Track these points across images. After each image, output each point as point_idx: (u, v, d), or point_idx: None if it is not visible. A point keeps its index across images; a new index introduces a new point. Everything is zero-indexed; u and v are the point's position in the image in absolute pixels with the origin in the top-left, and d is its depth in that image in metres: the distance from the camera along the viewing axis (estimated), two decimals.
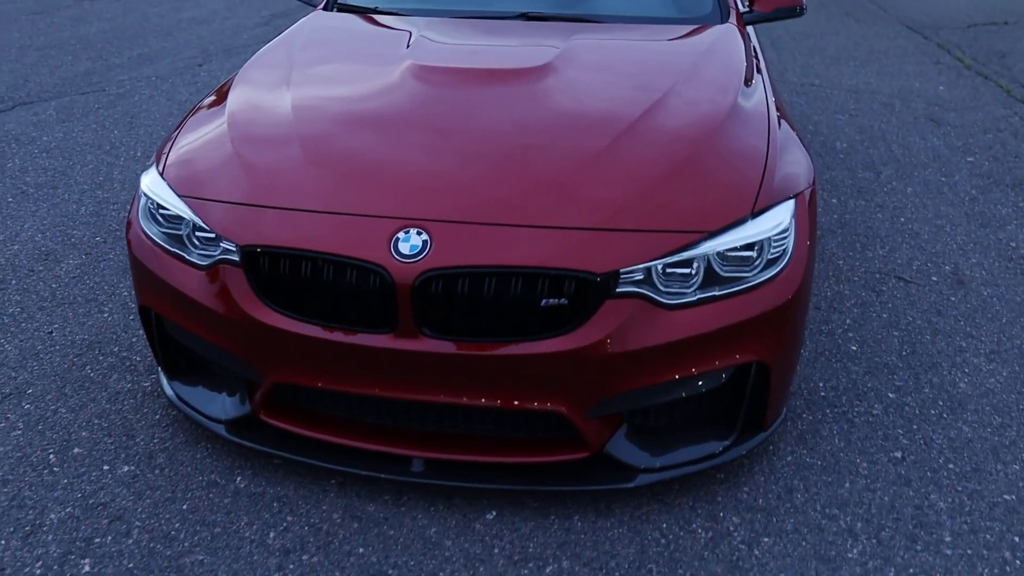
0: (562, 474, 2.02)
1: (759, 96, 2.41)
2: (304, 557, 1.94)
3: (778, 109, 2.44)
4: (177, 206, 2.10)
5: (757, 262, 1.96)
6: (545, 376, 1.87)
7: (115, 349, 2.74)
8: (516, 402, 1.91)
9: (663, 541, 1.98)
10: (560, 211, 1.89)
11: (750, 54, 2.74)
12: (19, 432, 2.35)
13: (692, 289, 1.91)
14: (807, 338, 2.83)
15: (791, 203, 2.06)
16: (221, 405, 2.21)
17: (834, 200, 4.04)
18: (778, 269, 1.98)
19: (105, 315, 2.94)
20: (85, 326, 2.87)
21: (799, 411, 2.46)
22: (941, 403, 2.52)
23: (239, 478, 2.18)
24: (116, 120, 5.04)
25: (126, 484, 2.16)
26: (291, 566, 1.91)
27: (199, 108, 2.49)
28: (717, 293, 1.92)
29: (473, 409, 1.95)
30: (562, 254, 1.82)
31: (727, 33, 2.80)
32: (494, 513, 2.06)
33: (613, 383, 1.89)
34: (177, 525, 2.03)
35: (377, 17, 3.02)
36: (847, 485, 2.17)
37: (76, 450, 2.28)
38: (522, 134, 2.11)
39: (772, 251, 1.98)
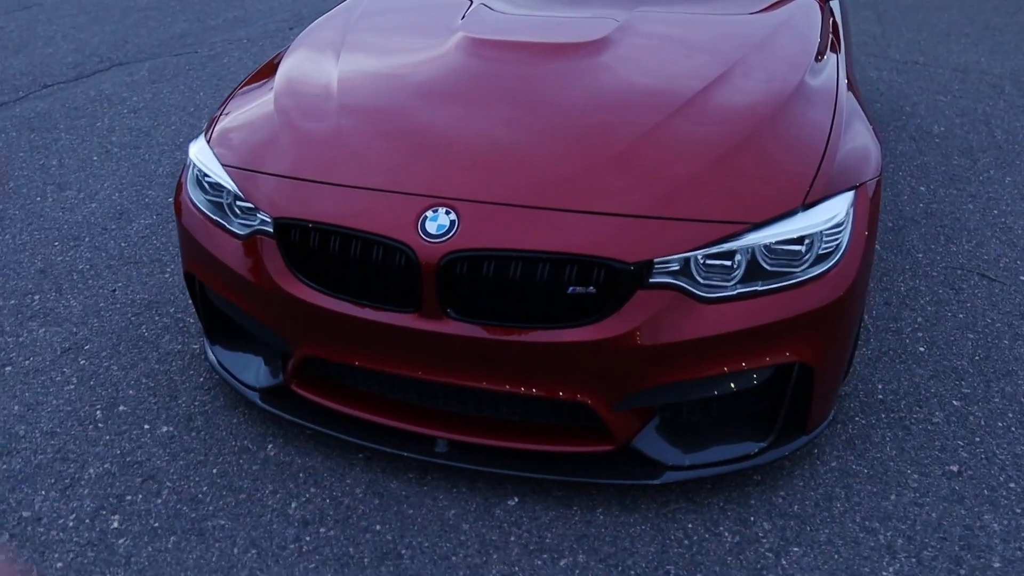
0: (587, 465, 1.96)
1: (829, 77, 2.25)
2: (321, 530, 1.95)
3: (851, 89, 2.28)
4: (219, 175, 2.12)
5: (806, 257, 1.84)
6: (570, 366, 1.81)
7: (171, 310, 2.82)
8: (539, 390, 1.85)
9: (686, 542, 1.90)
10: (595, 196, 1.81)
11: (827, 30, 2.56)
12: (72, 387, 2.44)
13: (732, 283, 1.81)
14: (871, 336, 2.67)
15: (849, 195, 1.92)
16: (256, 373, 2.24)
17: (922, 188, 3.79)
18: (829, 265, 1.85)
19: (167, 276, 3.02)
20: (147, 286, 2.96)
21: (851, 414, 2.32)
22: (1011, 415, 2.33)
23: (270, 446, 2.21)
24: (204, 82, 5.16)
25: (163, 444, 2.22)
26: (307, 537, 1.93)
27: (252, 78, 2.50)
28: (760, 288, 1.81)
29: (497, 394, 1.91)
30: (593, 241, 1.75)
31: (804, 6, 2.62)
32: (516, 500, 2.03)
33: (642, 377, 1.82)
34: (205, 488, 2.07)
35: None
36: (893, 497, 2.04)
37: (121, 408, 2.36)
38: (564, 114, 2.03)
39: (824, 246, 1.85)
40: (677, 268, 1.78)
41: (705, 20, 2.53)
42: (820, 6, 2.70)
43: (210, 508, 2.01)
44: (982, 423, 2.30)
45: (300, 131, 2.09)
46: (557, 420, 1.97)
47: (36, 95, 4.87)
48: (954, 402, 2.38)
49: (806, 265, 1.84)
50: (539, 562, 1.86)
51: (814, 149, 1.95)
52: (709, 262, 1.80)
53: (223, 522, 1.98)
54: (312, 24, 2.76)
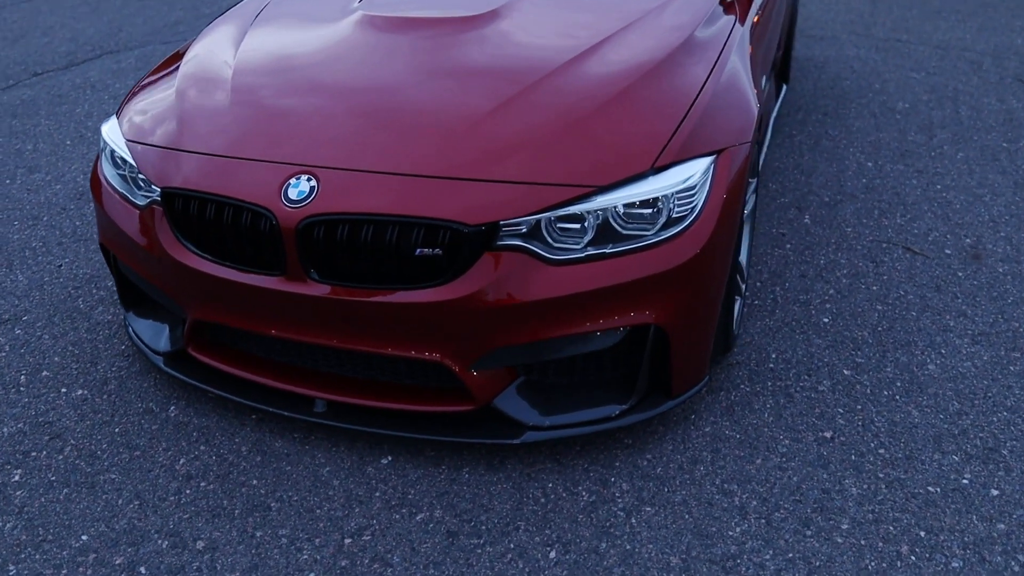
0: (456, 425, 2.04)
1: (713, 44, 2.28)
2: (202, 484, 2.06)
3: (750, 58, 2.31)
4: (123, 149, 2.23)
5: (657, 220, 1.89)
6: (422, 325, 1.89)
7: (109, 284, 2.95)
8: (395, 350, 1.94)
9: (543, 500, 1.98)
10: (447, 161, 1.88)
11: (723, 5, 2.58)
12: (3, 355, 2.58)
13: (582, 245, 1.87)
14: (777, 308, 2.70)
15: (706, 160, 1.96)
16: (162, 338, 2.35)
17: (870, 163, 3.78)
18: (679, 228, 1.90)
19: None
20: (91, 262, 3.09)
21: (738, 381, 2.37)
22: (899, 384, 2.36)
23: (172, 408, 2.32)
24: None
25: (75, 407, 2.34)
26: (188, 491, 2.04)
27: (166, 62, 2.60)
28: (608, 250, 1.87)
29: (364, 354, 2.00)
30: (438, 204, 1.82)
31: None
32: (389, 459, 2.12)
33: (493, 336, 1.89)
34: (104, 446, 2.19)
35: None
36: (758, 461, 2.09)
37: (44, 373, 2.49)
38: (438, 83, 2.10)
39: (678, 210, 1.91)
40: (526, 231, 1.85)
41: None
42: None
43: (105, 464, 2.13)
44: (868, 391, 2.33)
45: (192, 106, 2.19)
46: (424, 380, 2.05)
47: (25, 83, 5.05)
48: (845, 371, 2.42)
49: (656, 227, 1.89)
50: (397, 516, 1.94)
51: (674, 113, 1.99)
52: (560, 225, 1.86)
53: (114, 476, 2.09)
54: (235, 6, 2.86)
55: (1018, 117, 4.32)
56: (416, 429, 2.04)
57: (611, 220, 1.87)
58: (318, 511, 1.96)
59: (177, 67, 2.45)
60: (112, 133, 2.31)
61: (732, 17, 2.54)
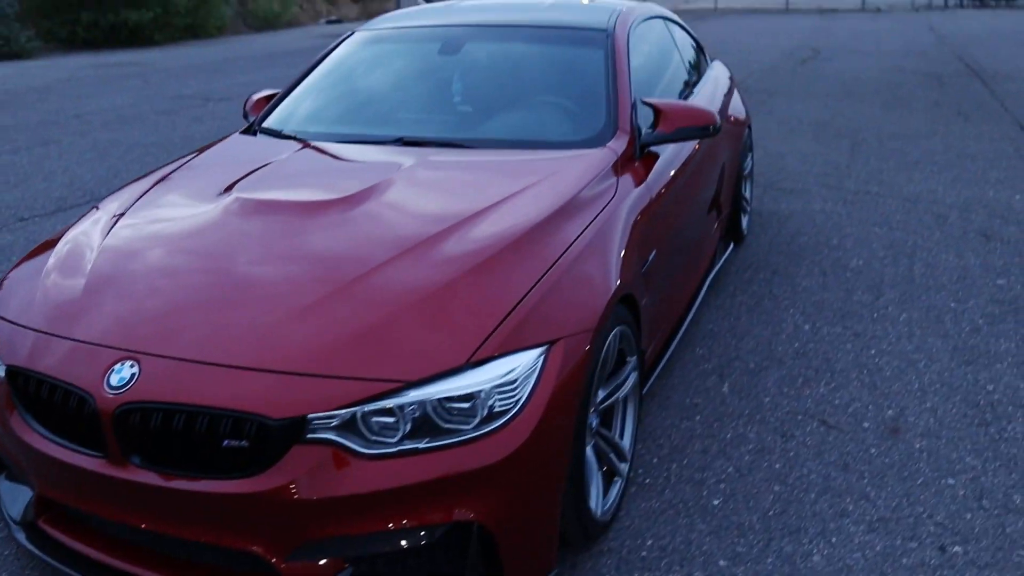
0: None
1: (566, 232, 2.29)
2: None
3: (626, 240, 2.34)
4: None
5: (476, 415, 1.85)
6: (235, 515, 1.84)
7: None
8: (214, 539, 1.88)
9: None
10: (259, 352, 1.88)
11: (598, 182, 2.59)
12: None
13: (396, 439, 1.83)
14: (666, 487, 2.59)
15: (535, 352, 1.93)
16: (18, 507, 2.32)
17: (807, 326, 3.72)
18: (500, 423, 1.86)
19: None
20: None
21: (603, 571, 2.25)
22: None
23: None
24: None
25: None
26: None
27: (53, 239, 2.63)
28: (422, 445, 1.83)
29: (188, 540, 1.94)
30: (244, 396, 1.81)
31: (586, 160, 2.68)
32: None
33: (306, 529, 1.83)
34: None
35: (276, 141, 3.11)
36: None
37: None
38: (277, 269, 2.13)
39: (499, 404, 1.87)
40: (339, 424, 1.82)
41: (472, 176, 2.62)
42: (612, 159, 2.73)
43: None
44: None
45: (49, 286, 2.24)
46: (248, 568, 1.98)
47: (8, 228, 5.28)
48: (721, 561, 2.28)
49: (475, 422, 1.85)
50: None
51: (503, 304, 1.98)
52: (376, 419, 1.83)
53: None
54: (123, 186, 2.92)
55: (972, 275, 4.25)
56: None
57: (431, 414, 1.84)
58: None
59: (51, 245, 2.51)
60: None
61: (611, 192, 2.56)
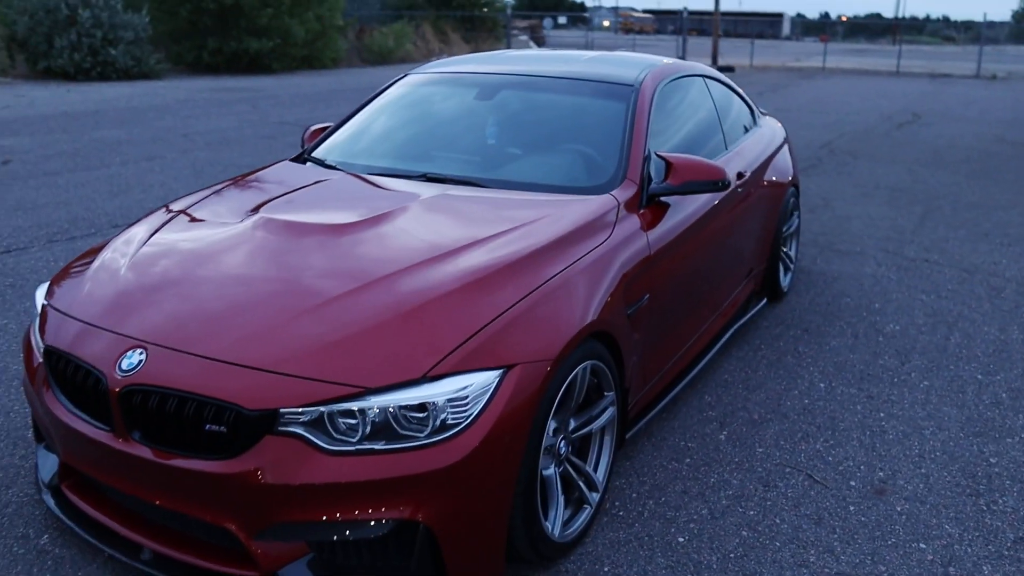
0: None
1: (547, 268, 2.46)
2: None
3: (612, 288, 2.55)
4: (38, 307, 2.63)
5: (428, 424, 2.05)
6: (212, 493, 2.08)
7: None
8: (194, 512, 2.13)
9: None
10: (246, 351, 2.13)
11: (593, 225, 2.76)
12: None
13: (356, 439, 2.04)
14: (635, 520, 2.70)
15: (491, 373, 2.12)
16: (48, 472, 2.64)
17: (821, 385, 3.75)
18: (448, 434, 2.04)
19: None
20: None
21: None
22: None
23: (45, 537, 2.57)
24: None
25: None
26: None
27: (107, 240, 2.98)
28: (378, 447, 2.03)
29: (174, 511, 2.19)
30: (227, 388, 2.06)
31: (587, 204, 2.85)
32: None
33: (271, 512, 2.05)
34: None
35: (317, 169, 3.42)
36: None
37: None
38: (282, 281, 2.38)
39: (452, 417, 2.06)
40: (307, 420, 2.04)
41: (477, 213, 2.83)
42: (615, 206, 2.89)
43: None
44: None
45: (89, 282, 2.57)
46: (222, 542, 2.21)
47: (101, 233, 5.80)
48: None
49: (427, 431, 2.04)
50: None
51: (467, 326, 2.17)
52: (342, 419, 2.05)
53: None
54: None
55: (1011, 349, 4.18)
56: None
57: (391, 420, 2.04)
58: None
59: (104, 246, 2.86)
60: (39, 294, 2.72)
61: (604, 235, 2.72)
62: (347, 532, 2.06)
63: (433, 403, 2.04)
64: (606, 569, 2.48)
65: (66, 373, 2.34)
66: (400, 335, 2.16)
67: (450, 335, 2.16)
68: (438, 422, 2.05)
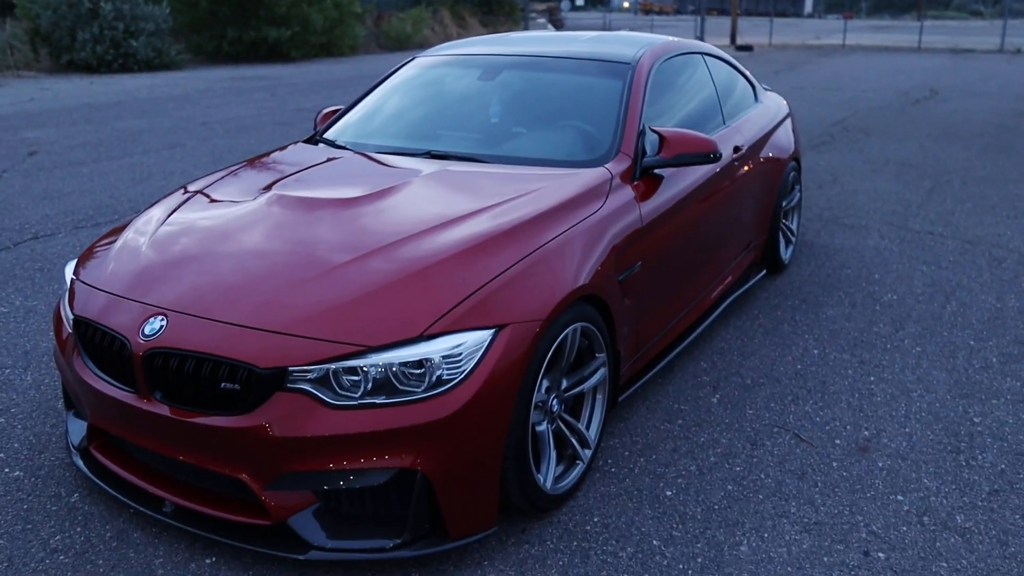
0: (264, 536, 2.35)
1: (540, 236, 2.61)
2: (60, 558, 2.46)
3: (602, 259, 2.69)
4: (67, 282, 2.83)
5: (425, 380, 2.21)
6: (226, 446, 2.26)
7: None
8: (211, 465, 2.31)
9: None
10: (261, 316, 2.30)
11: (586, 196, 2.90)
12: None
13: (359, 394, 2.22)
14: (626, 476, 2.86)
15: (484, 332, 2.28)
16: (78, 436, 2.84)
17: (815, 351, 3.88)
18: (443, 389, 2.21)
19: None
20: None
21: (545, 537, 2.54)
22: (700, 560, 2.45)
23: (76, 495, 2.77)
24: None
25: (6, 483, 2.84)
26: (47, 561, 2.45)
27: (133, 219, 3.18)
28: (379, 401, 2.20)
29: (194, 465, 2.38)
30: (241, 349, 2.23)
31: (581, 177, 3.00)
32: (213, 559, 2.45)
33: (281, 463, 2.23)
34: (9, 517, 2.65)
35: (328, 149, 3.59)
36: None
37: (0, 455, 3.03)
38: (293, 251, 2.55)
39: (447, 373, 2.22)
40: (315, 377, 2.22)
41: (477, 184, 2.99)
42: (606, 177, 3.03)
43: (1, 531, 2.59)
44: (664, 563, 2.44)
45: (114, 257, 2.76)
46: (236, 494, 2.40)
47: (123, 218, 6.02)
48: (654, 542, 2.54)
49: (424, 386, 2.21)
50: None
51: (463, 289, 2.33)
52: (347, 376, 2.22)
53: (2, 541, 2.54)
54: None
55: (1005, 316, 4.28)
56: (226, 535, 2.37)
57: (391, 376, 2.21)
58: None
59: (126, 226, 3.05)
60: (69, 268, 2.92)
61: (596, 205, 2.87)
62: (351, 479, 2.24)
63: (429, 360, 2.21)
64: (595, 520, 2.64)
65: (94, 341, 2.53)
66: (399, 298, 2.33)
67: (446, 297, 2.32)
68: (434, 378, 2.22)
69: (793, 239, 5.10)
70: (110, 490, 2.60)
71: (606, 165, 3.11)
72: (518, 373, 2.33)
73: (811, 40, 29.63)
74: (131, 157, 8.10)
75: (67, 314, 2.74)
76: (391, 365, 2.21)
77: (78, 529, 2.60)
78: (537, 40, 4.15)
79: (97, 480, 2.65)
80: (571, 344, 2.60)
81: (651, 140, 3.27)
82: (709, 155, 3.23)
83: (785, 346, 3.93)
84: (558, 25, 33.90)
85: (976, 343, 3.97)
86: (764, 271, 4.66)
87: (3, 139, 8.96)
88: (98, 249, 2.94)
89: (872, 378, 3.61)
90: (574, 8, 47.89)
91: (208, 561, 2.45)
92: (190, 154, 8.22)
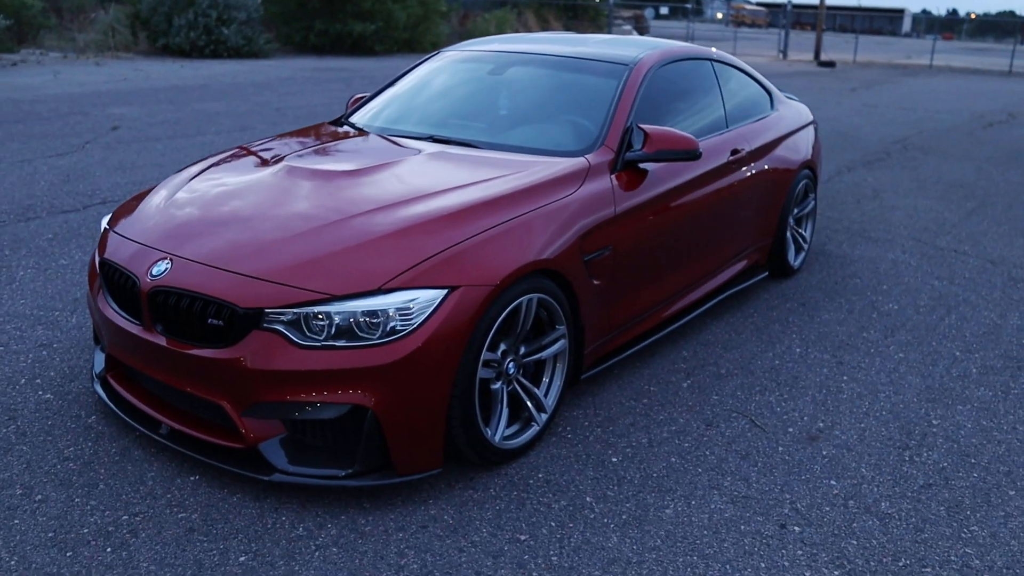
0: (238, 458, 2.69)
1: (505, 211, 2.87)
2: (71, 465, 2.85)
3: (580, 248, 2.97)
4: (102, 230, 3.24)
5: (379, 328, 2.51)
6: (210, 375, 2.61)
7: None
8: (197, 391, 2.66)
9: (268, 525, 2.55)
10: (246, 263, 2.64)
11: (561, 181, 3.15)
12: (24, 364, 3.60)
13: (323, 338, 2.53)
14: (579, 441, 3.10)
15: (436, 292, 2.57)
16: (99, 365, 3.24)
17: (797, 350, 4.03)
18: (395, 337, 2.51)
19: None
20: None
21: (490, 486, 2.80)
22: (624, 517, 2.67)
23: (93, 416, 3.17)
24: None
25: (38, 403, 3.26)
26: (60, 467, 2.83)
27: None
28: (338, 344, 2.51)
29: (184, 391, 2.73)
30: (227, 290, 2.57)
31: (560, 164, 3.25)
32: (196, 477, 2.80)
33: (253, 393, 2.56)
34: (35, 429, 3.07)
35: (347, 130, 3.95)
36: (451, 544, 2.52)
37: (37, 380, 3.46)
38: (290, 212, 2.89)
39: (400, 325, 2.52)
40: (288, 319, 2.54)
41: (463, 165, 3.28)
42: (584, 167, 3.25)
43: (27, 439, 3.00)
44: (591, 517, 2.67)
45: (140, 208, 3.16)
46: (219, 420, 2.74)
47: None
48: (587, 498, 2.77)
49: (379, 334, 2.51)
50: (166, 511, 2.61)
51: (423, 251, 2.63)
52: (315, 321, 2.54)
53: (24, 448, 2.95)
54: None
55: (1002, 332, 4.33)
56: (207, 455, 2.72)
57: (352, 325, 2.52)
58: (124, 497, 2.68)
59: (155, 187, 3.45)
60: (104, 222, 3.34)
61: (570, 190, 3.12)
62: (312, 410, 2.55)
63: (384, 311, 2.51)
64: (540, 475, 2.89)
65: (113, 280, 2.92)
66: (367, 256, 2.64)
67: (406, 258, 2.62)
68: (388, 327, 2.51)
69: (805, 246, 5.21)
70: (119, 413, 2.98)
71: (587, 156, 3.36)
72: (465, 331, 2.60)
73: (899, 59, 28.92)
74: (203, 136, 8.67)
75: (97, 258, 3.14)
76: (354, 314, 2.51)
77: (89, 444, 2.99)
78: (553, 40, 4.41)
79: (110, 404, 3.04)
80: (526, 312, 2.86)
81: (639, 137, 3.50)
82: (689, 152, 3.43)
83: (769, 343, 4.09)
84: (643, 32, 33.95)
85: (962, 354, 4.05)
86: (766, 273, 4.80)
87: (92, 113, 9.68)
88: (130, 204, 3.34)
89: (845, 378, 3.75)
90: (658, 16, 47.73)
91: (192, 479, 2.80)
92: (258, 136, 8.74)
